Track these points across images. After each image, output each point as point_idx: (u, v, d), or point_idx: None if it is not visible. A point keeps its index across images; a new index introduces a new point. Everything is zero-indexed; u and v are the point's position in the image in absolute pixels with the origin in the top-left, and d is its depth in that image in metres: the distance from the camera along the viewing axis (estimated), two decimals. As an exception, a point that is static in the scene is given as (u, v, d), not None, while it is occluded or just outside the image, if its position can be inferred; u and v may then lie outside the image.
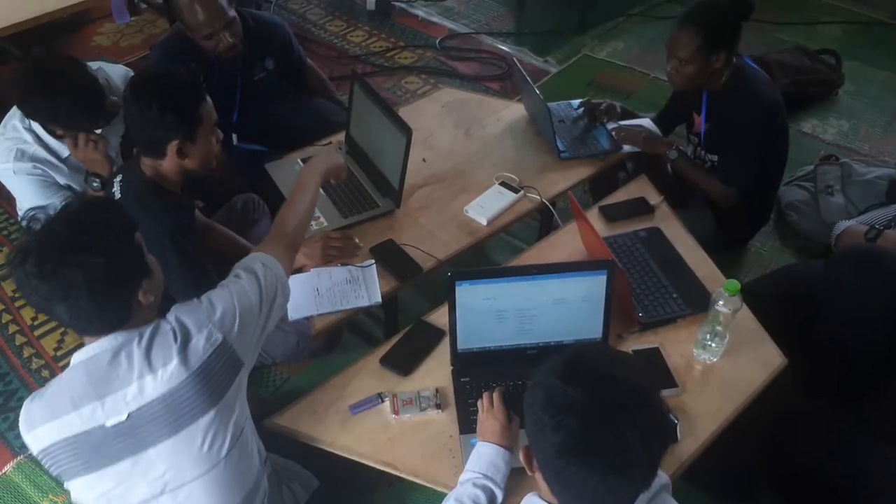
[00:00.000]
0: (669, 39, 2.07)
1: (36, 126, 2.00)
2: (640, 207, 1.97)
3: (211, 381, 1.22)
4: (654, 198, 2.00)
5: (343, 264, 1.79)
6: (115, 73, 2.22)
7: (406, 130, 1.86)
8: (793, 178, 2.74)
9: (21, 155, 1.98)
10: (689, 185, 2.25)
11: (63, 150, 2.03)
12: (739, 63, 2.11)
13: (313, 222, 1.92)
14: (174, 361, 1.19)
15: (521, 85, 2.38)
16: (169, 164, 1.63)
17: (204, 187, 2.09)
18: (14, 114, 2.03)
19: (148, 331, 1.21)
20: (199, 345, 1.22)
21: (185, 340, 1.21)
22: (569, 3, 3.91)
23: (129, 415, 1.17)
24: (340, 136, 2.24)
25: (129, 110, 1.58)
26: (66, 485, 1.23)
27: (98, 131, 2.02)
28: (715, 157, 2.21)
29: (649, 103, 3.06)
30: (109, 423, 1.17)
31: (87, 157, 1.99)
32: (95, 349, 1.19)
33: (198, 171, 1.68)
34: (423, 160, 2.15)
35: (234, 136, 2.48)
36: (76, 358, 1.21)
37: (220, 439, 1.23)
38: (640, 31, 3.87)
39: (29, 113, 1.98)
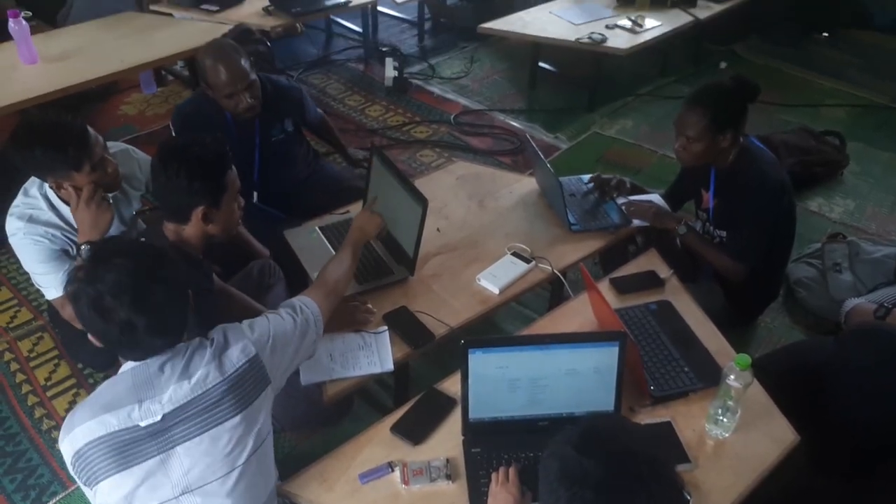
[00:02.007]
0: (677, 119, 2.14)
1: (50, 193, 2.02)
2: (651, 280, 1.99)
3: (241, 388, 1.33)
4: (664, 271, 2.02)
5: (356, 331, 1.81)
6: (143, 157, 2.27)
7: (422, 201, 1.91)
8: (801, 255, 2.77)
9: (31, 219, 1.99)
10: (698, 260, 2.28)
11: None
12: (746, 143, 2.17)
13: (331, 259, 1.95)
14: (210, 367, 1.31)
15: (532, 159, 2.45)
16: (192, 229, 1.68)
17: (221, 252, 2.13)
18: (33, 181, 2.07)
19: (191, 346, 1.33)
20: (234, 354, 1.35)
21: (221, 349, 1.35)
22: (578, 83, 4.05)
23: (163, 416, 1.26)
24: (357, 206, 2.30)
25: (157, 177, 1.64)
26: (92, 490, 1.28)
27: (110, 196, 2.03)
28: (723, 233, 2.25)
29: (658, 179, 3.14)
30: (144, 423, 1.25)
31: (86, 217, 1.93)
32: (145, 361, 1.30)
33: (220, 236, 1.73)
34: (438, 230, 2.20)
35: (255, 195, 2.56)
36: (126, 366, 1.31)
37: (242, 444, 1.33)
38: (648, 110, 3.99)
39: (20, 166, 1.96)
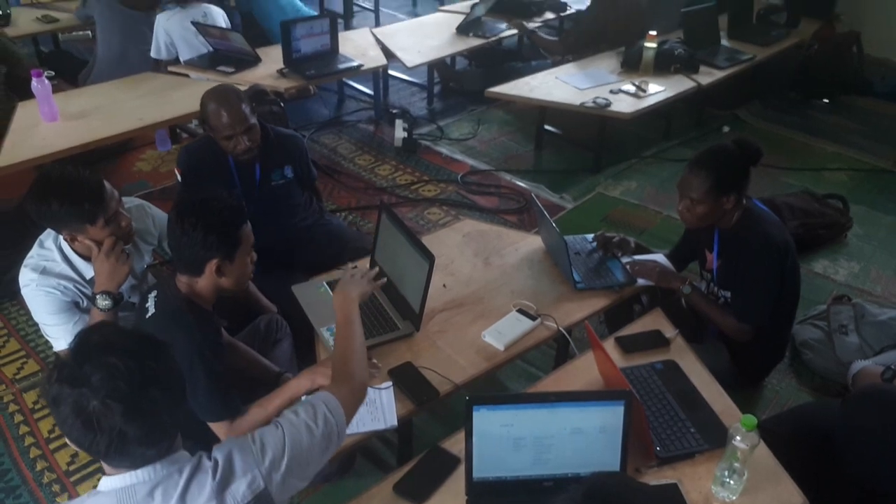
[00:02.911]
0: (681, 181, 2.18)
1: (64, 245, 2.05)
2: (656, 340, 2.00)
3: None
4: (669, 331, 2.03)
5: (361, 386, 1.81)
6: (158, 213, 2.32)
7: (429, 257, 1.94)
8: (806, 316, 2.77)
9: (45, 271, 2.02)
10: (703, 320, 2.29)
11: (88, 270, 2.06)
12: (749, 204, 2.20)
13: (333, 343, 1.96)
14: (210, 503, 1.15)
15: (538, 218, 2.49)
16: (205, 282, 1.71)
17: (228, 307, 2.15)
18: (48, 233, 2.10)
19: (188, 467, 1.16)
20: (240, 490, 1.18)
21: (225, 481, 1.17)
22: (583, 145, 4.13)
23: None
24: (365, 262, 2.33)
25: (173, 229, 1.68)
26: None
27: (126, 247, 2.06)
28: (728, 294, 2.26)
29: (662, 240, 3.16)
30: None
31: (105, 268, 1.97)
32: (132, 479, 1.12)
33: (232, 290, 1.76)
34: (444, 286, 2.22)
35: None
36: (108, 484, 1.13)
37: None
38: (653, 171, 4.06)
39: (37, 219, 2.00)
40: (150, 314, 1.73)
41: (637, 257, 2.35)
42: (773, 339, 2.35)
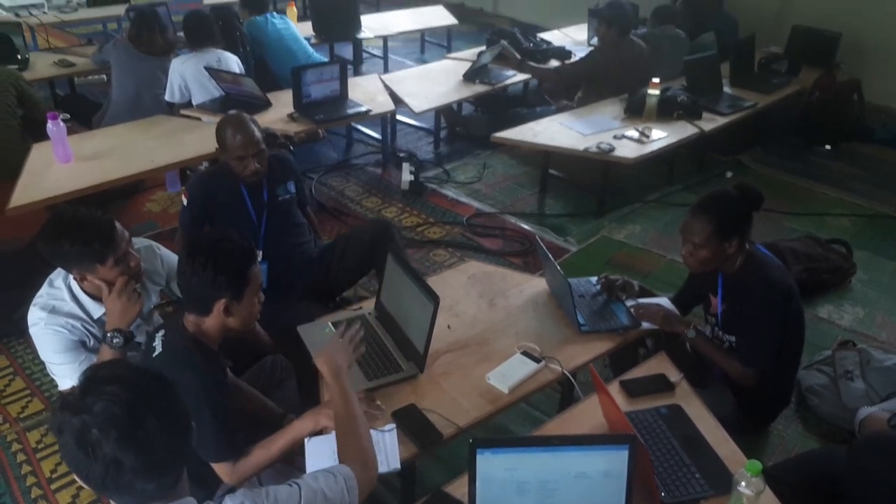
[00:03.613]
0: (683, 225, 2.21)
1: (73, 284, 2.07)
2: (661, 384, 1.99)
3: None
4: (674, 375, 2.03)
5: (365, 428, 1.81)
6: (167, 253, 2.36)
7: (433, 298, 1.96)
8: (811, 362, 2.76)
9: (53, 310, 2.03)
10: (708, 365, 2.29)
11: (96, 310, 2.08)
12: (752, 249, 2.22)
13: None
14: None
15: (542, 261, 2.51)
16: (213, 321, 1.73)
17: (232, 347, 2.17)
18: (58, 272, 2.13)
19: None
20: None
21: None
22: (587, 189, 4.17)
23: None
24: (370, 302, 2.34)
25: (184, 269, 1.71)
26: None
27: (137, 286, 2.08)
28: (732, 338, 2.26)
29: (666, 283, 3.18)
30: None
31: (117, 306, 1.99)
32: None
33: (239, 330, 1.78)
34: (448, 327, 2.23)
35: (260, 253, 2.64)
36: None
37: None
38: (656, 216, 4.09)
39: (48, 258, 2.03)
40: (157, 353, 1.74)
41: (641, 300, 2.36)
42: (779, 384, 2.34)
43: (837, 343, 2.86)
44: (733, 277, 2.23)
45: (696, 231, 2.14)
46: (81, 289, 2.07)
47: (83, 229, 1.95)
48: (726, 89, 4.64)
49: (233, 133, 2.57)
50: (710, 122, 4.18)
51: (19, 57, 4.64)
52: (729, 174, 4.57)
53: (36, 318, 2.04)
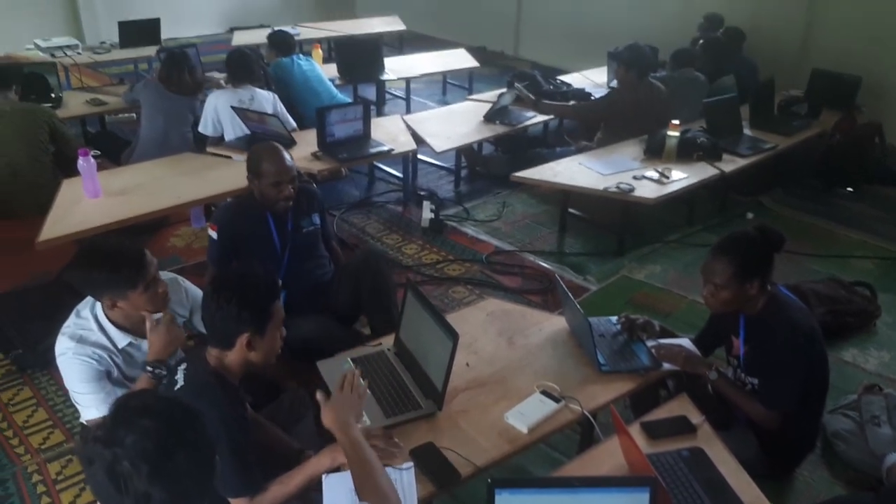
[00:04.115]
0: (704, 266, 2.20)
1: (100, 314, 2.11)
2: (683, 426, 1.97)
3: None
4: (695, 417, 2.00)
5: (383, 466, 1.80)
6: (191, 287, 2.40)
7: (453, 335, 1.96)
8: (837, 406, 2.71)
9: (81, 340, 2.07)
10: (730, 407, 2.26)
11: (121, 340, 2.12)
12: (774, 291, 2.21)
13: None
14: None
15: (562, 299, 2.51)
16: (235, 355, 1.75)
17: (253, 383, 2.18)
18: (85, 303, 2.17)
19: None
20: None
21: None
22: (607, 228, 4.18)
23: None
24: (389, 339, 2.35)
25: (208, 303, 1.74)
26: None
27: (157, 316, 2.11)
28: (755, 380, 2.23)
29: (688, 324, 3.15)
30: None
31: (161, 338, 2.03)
32: None
33: (261, 364, 1.79)
34: (467, 364, 2.22)
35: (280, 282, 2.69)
36: None
37: None
38: (677, 256, 4.07)
39: (79, 287, 2.10)
40: (178, 386, 1.76)
41: (662, 341, 2.34)
42: (803, 428, 2.30)
43: (863, 387, 2.80)
44: (755, 319, 2.21)
45: (718, 272, 2.14)
46: (108, 318, 2.11)
47: (113, 256, 2.01)
48: (746, 131, 4.65)
49: (268, 160, 2.68)
50: (730, 164, 4.19)
51: (53, 95, 4.80)
52: (749, 215, 4.56)
53: (64, 348, 2.07)
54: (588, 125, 5.04)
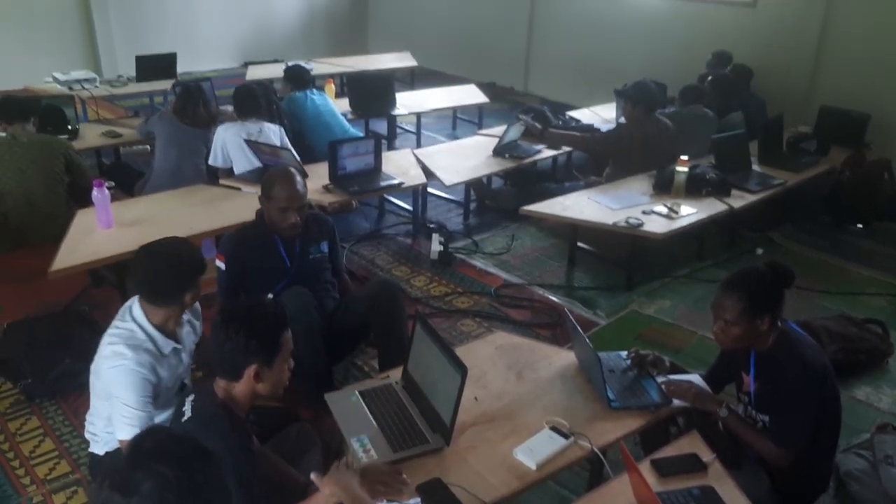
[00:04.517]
0: (714, 302, 2.19)
1: (143, 321, 2.13)
2: (693, 464, 1.94)
3: None
4: (706, 455, 1.98)
5: (389, 501, 1.79)
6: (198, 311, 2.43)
7: (461, 368, 1.96)
8: (850, 445, 2.67)
9: (136, 347, 2.07)
10: (741, 445, 2.23)
11: (166, 345, 2.14)
12: (785, 327, 2.19)
13: (363, 454, 1.96)
14: None
15: (571, 333, 2.50)
16: (243, 387, 1.75)
17: (259, 415, 2.18)
18: (124, 310, 2.18)
19: None
20: None
21: None
22: (616, 262, 4.18)
23: None
24: (397, 372, 2.35)
25: (217, 334, 1.75)
26: None
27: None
28: (766, 418, 2.20)
29: (698, 360, 3.13)
30: None
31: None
32: None
33: (268, 395, 1.79)
34: (475, 399, 2.21)
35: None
36: None
37: None
38: (686, 291, 4.06)
39: (137, 286, 2.16)
40: (186, 417, 1.76)
41: (672, 377, 2.33)
42: (815, 467, 2.26)
43: (876, 426, 2.76)
44: (766, 355, 2.19)
45: (728, 307, 2.13)
46: (150, 323, 2.14)
47: (188, 261, 2.15)
48: (755, 167, 4.67)
49: (280, 185, 2.72)
50: (739, 200, 4.19)
51: (70, 127, 4.88)
52: (759, 251, 4.55)
53: (120, 357, 2.05)
54: (595, 157, 5.06)
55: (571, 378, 2.36)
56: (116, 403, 2.06)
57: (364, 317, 2.90)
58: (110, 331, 2.14)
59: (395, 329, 2.86)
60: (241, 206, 3.61)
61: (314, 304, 2.76)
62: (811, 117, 5.53)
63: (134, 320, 2.13)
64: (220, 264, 2.80)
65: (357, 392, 2.25)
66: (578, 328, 2.38)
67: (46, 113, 4.66)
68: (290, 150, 4.06)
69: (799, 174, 4.69)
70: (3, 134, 4.06)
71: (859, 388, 3.19)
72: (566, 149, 5.17)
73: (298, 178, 2.80)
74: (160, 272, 2.10)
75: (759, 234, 4.76)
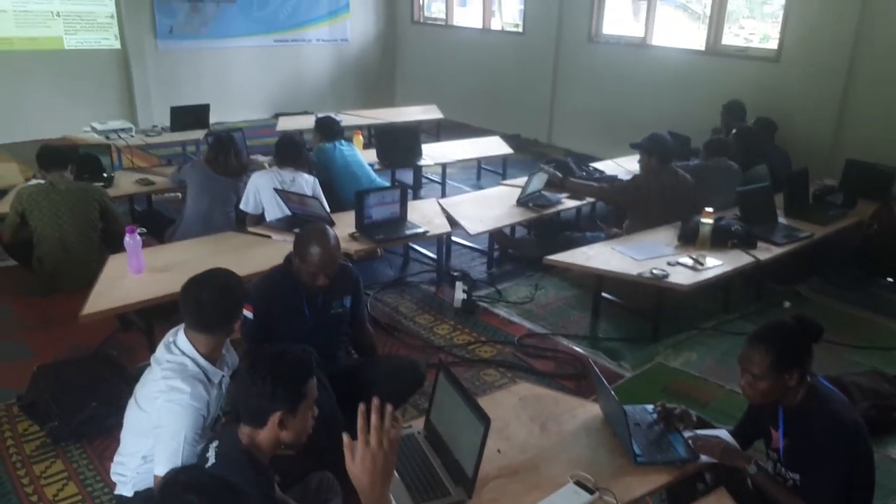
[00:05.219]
0: (741, 355, 2.17)
1: (191, 351, 2.15)
2: (721, 522, 1.90)
3: None
4: (735, 513, 1.93)
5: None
6: (234, 359, 2.46)
7: (484, 419, 1.95)
8: (886, 507, 2.58)
9: (193, 380, 2.08)
10: (770, 503, 2.17)
11: (215, 375, 2.17)
12: (814, 382, 2.15)
13: None
14: None
15: (596, 385, 2.47)
16: (267, 434, 1.76)
17: (281, 463, 2.17)
18: (167, 343, 2.20)
19: None
20: None
21: None
22: (641, 313, 4.14)
23: None
24: (419, 421, 2.33)
25: (242, 380, 1.77)
26: None
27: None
28: (797, 476, 2.15)
29: (725, 414, 3.07)
30: None
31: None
32: None
33: (292, 443, 1.80)
34: (498, 451, 2.19)
35: None
36: None
37: None
38: (713, 343, 4.01)
39: (186, 312, 2.20)
40: (210, 464, 1.76)
41: (700, 432, 2.29)
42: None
43: (914, 487, 2.68)
44: (795, 411, 2.15)
45: (755, 361, 2.10)
46: (198, 353, 2.17)
47: (229, 285, 2.25)
48: (781, 220, 4.64)
49: (316, 250, 2.67)
50: (765, 252, 4.16)
51: (105, 175, 5.03)
52: (786, 304, 4.49)
53: (177, 390, 2.06)
54: (615, 207, 5.07)
55: (596, 431, 2.33)
56: (164, 437, 2.04)
57: (381, 385, 2.82)
58: (160, 365, 2.16)
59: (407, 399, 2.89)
60: (269, 254, 3.66)
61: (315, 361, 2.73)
62: (836, 170, 5.51)
63: (182, 352, 2.15)
64: (248, 314, 2.75)
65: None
66: (603, 380, 2.36)
67: (84, 161, 4.83)
68: (318, 199, 4.13)
69: (826, 227, 4.65)
70: (42, 181, 4.21)
71: (893, 447, 3.09)
72: (590, 199, 5.20)
73: (334, 242, 2.75)
74: (211, 301, 2.15)
75: (785, 287, 4.70)
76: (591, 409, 2.45)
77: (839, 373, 3.39)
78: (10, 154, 7.17)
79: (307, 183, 4.33)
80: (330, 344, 2.89)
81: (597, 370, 2.43)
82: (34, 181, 4.38)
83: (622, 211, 4.92)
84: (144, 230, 4.19)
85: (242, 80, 9.56)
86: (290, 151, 4.37)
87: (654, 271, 3.80)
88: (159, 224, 4.85)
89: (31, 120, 7.88)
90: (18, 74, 7.94)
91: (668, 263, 3.91)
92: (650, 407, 2.40)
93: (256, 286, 2.89)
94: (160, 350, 2.21)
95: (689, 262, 3.92)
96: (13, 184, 4.91)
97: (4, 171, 5.51)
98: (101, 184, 4.80)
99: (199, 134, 6.45)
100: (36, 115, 7.93)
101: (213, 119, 6.86)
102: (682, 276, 3.79)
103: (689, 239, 4.19)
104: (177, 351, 2.17)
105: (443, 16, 10.27)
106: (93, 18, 8.31)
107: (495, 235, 4.97)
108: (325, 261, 2.69)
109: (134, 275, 3.44)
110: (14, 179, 5.16)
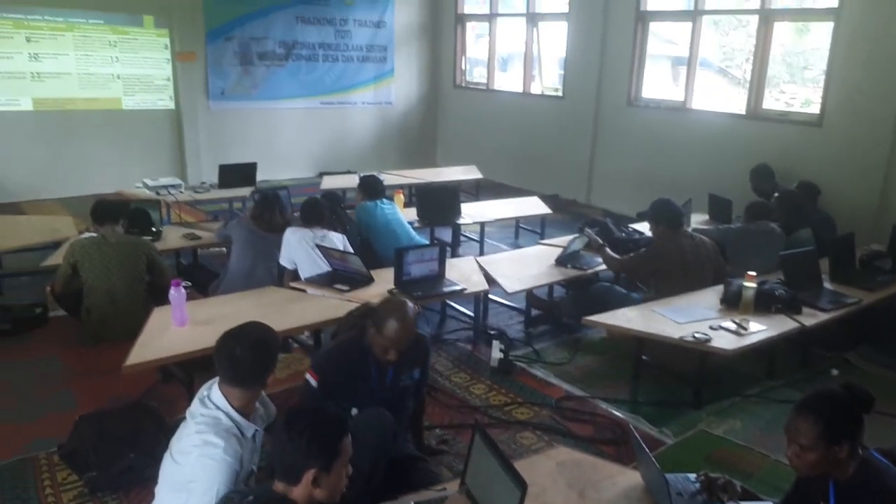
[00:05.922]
0: (788, 424, 2.10)
1: (223, 404, 2.17)
2: None
3: None
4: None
5: None
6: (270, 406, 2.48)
7: (521, 485, 1.91)
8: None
9: (225, 435, 2.08)
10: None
11: (248, 429, 2.18)
12: (867, 455, 2.07)
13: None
14: None
15: (636, 452, 2.41)
16: (301, 491, 1.76)
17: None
18: (201, 398, 2.22)
19: None
20: None
21: None
22: (683, 378, 4.05)
23: None
24: (454, 484, 2.30)
25: (279, 436, 1.78)
26: None
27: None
28: (850, 555, 2.05)
29: (771, 486, 2.96)
30: None
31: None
32: None
33: (325, 501, 1.79)
34: (535, 518, 2.14)
35: None
36: None
37: None
38: (758, 411, 3.88)
39: (223, 362, 2.22)
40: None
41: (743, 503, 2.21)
42: None
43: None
44: (847, 485, 2.06)
45: (802, 432, 2.04)
46: (232, 407, 2.18)
47: (265, 339, 2.29)
48: (826, 285, 4.54)
49: (394, 324, 2.62)
50: (810, 318, 4.06)
51: (154, 229, 5.21)
52: (834, 372, 4.34)
53: (211, 445, 2.06)
54: (641, 279, 4.93)
55: (636, 500, 2.26)
56: (197, 492, 2.05)
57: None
58: (195, 419, 2.18)
59: None
60: (308, 309, 3.72)
61: (392, 429, 2.64)
62: (883, 235, 5.39)
63: (217, 406, 2.17)
64: (312, 381, 2.70)
65: (413, 502, 2.21)
66: (644, 447, 2.30)
67: (134, 215, 5.02)
68: (356, 257, 4.20)
69: (874, 293, 4.52)
70: (94, 235, 4.37)
71: (956, 528, 2.91)
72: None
73: (414, 317, 2.71)
74: (245, 355, 2.18)
75: (833, 354, 4.55)
76: (631, 477, 2.39)
77: (893, 446, 3.24)
78: (66, 208, 7.49)
79: (338, 240, 4.43)
80: (397, 417, 2.78)
81: (637, 436, 2.38)
82: (87, 234, 4.55)
83: (644, 281, 4.82)
84: (189, 283, 4.30)
85: (289, 139, 9.88)
86: (313, 213, 4.50)
87: (697, 335, 3.73)
88: (204, 278, 4.97)
89: (87, 175, 8.25)
90: (78, 133, 8.35)
91: (711, 327, 3.83)
92: (693, 476, 2.34)
93: (328, 356, 2.84)
94: (195, 404, 2.23)
95: (733, 326, 3.84)
96: (67, 236, 5.11)
97: (60, 224, 5.73)
98: (150, 238, 4.96)
99: (245, 191, 6.64)
100: (92, 171, 8.31)
101: (259, 177, 7.07)
102: (725, 341, 3.71)
103: (732, 303, 4.12)
104: (210, 405, 2.19)
105: (484, 80, 10.54)
106: (150, 81, 8.75)
107: (531, 298, 4.94)
108: (402, 336, 2.64)
109: (177, 327, 3.52)
110: (68, 232, 5.37)
